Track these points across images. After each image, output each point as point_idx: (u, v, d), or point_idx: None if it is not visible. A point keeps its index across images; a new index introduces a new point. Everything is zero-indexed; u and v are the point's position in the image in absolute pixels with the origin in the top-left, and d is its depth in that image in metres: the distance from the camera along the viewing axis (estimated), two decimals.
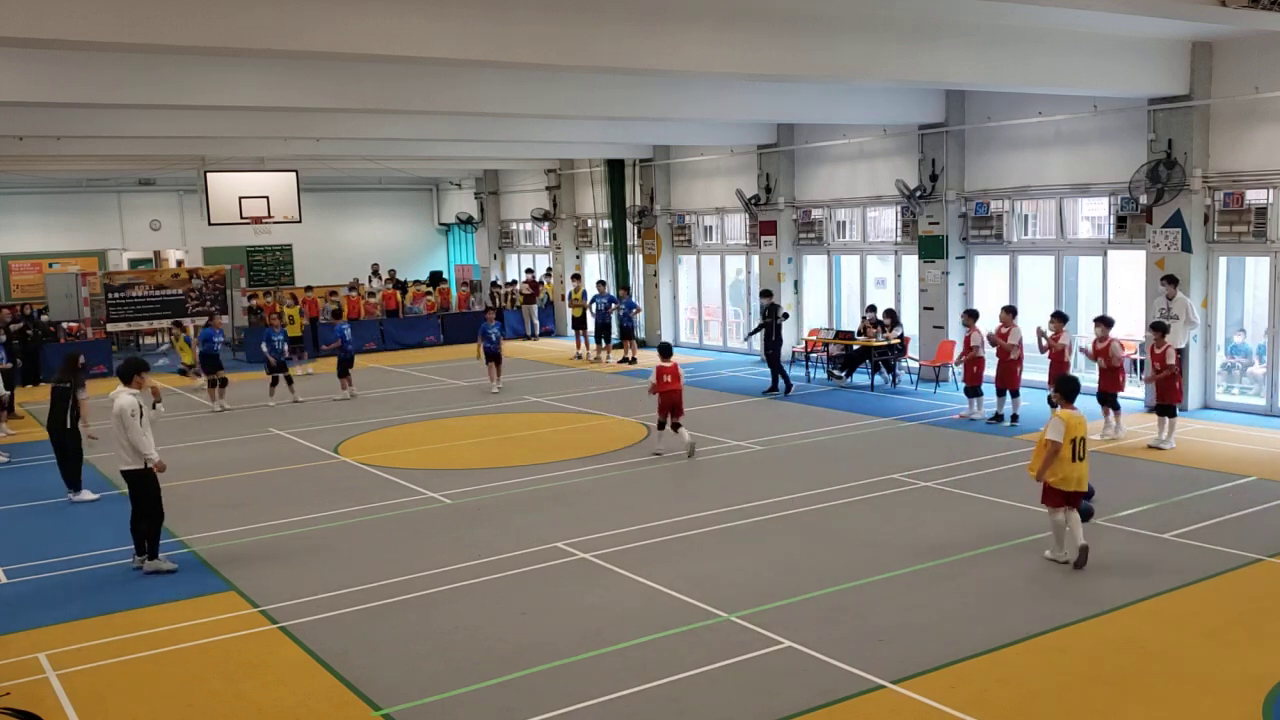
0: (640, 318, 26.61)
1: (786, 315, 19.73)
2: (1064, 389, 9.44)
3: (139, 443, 9.73)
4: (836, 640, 7.86)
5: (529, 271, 32.26)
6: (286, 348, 20.77)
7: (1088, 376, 15.34)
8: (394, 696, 7.21)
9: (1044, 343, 14.97)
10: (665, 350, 14.70)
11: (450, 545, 10.59)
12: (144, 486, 9.90)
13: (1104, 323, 14.33)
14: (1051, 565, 9.34)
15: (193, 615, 8.90)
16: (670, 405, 14.14)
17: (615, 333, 24.92)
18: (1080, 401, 9.40)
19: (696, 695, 7.07)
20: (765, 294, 20.13)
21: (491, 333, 20.74)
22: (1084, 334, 18.64)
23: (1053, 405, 9.40)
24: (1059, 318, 15.11)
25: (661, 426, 14.25)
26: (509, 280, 33.75)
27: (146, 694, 7.43)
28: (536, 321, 30.85)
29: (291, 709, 7.13)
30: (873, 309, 20.38)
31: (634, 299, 25.67)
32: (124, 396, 9.83)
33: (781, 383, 19.12)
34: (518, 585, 9.36)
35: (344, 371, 20.28)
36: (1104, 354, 14.13)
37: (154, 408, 10.20)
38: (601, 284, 25.27)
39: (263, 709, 7.14)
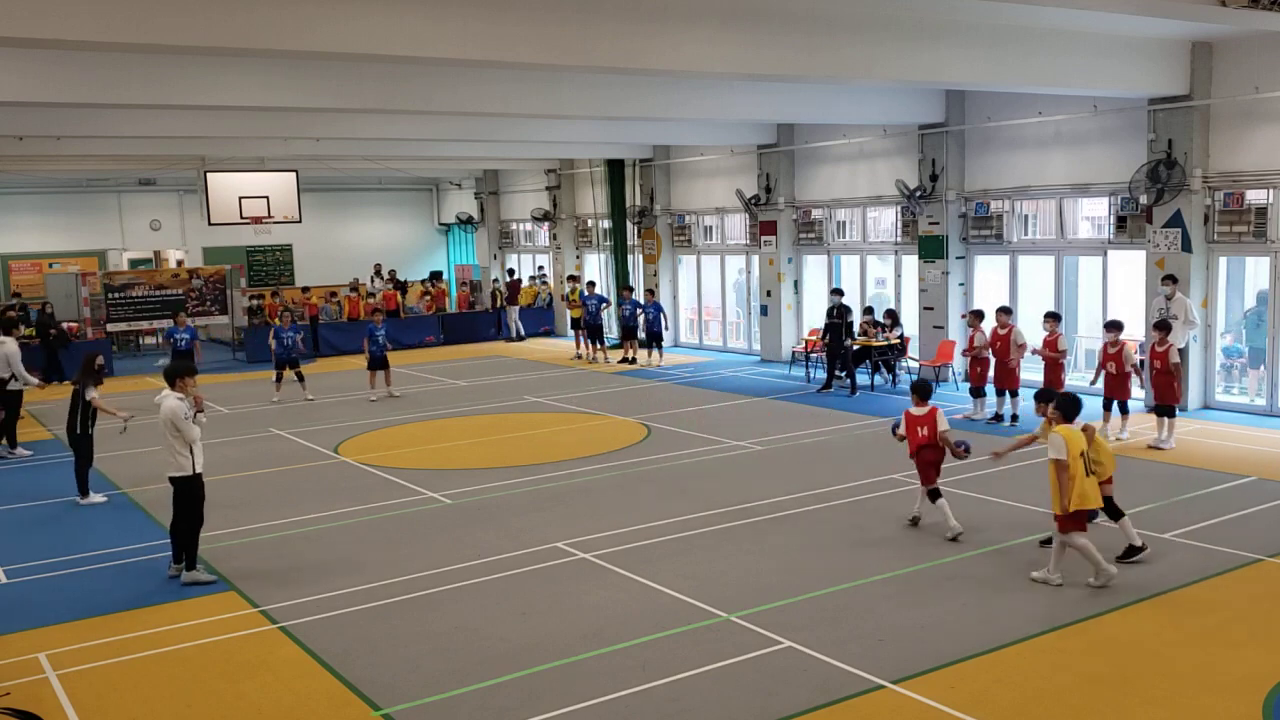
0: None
1: (851, 323, 19.12)
2: (1065, 408, 8.92)
3: (191, 434, 9.56)
4: (836, 640, 7.87)
5: (510, 272, 32.17)
6: (300, 341, 20.78)
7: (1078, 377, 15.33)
8: (394, 696, 7.21)
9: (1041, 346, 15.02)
10: (922, 390, 10.65)
11: (450, 545, 10.59)
12: (188, 492, 9.71)
13: (1116, 327, 14.28)
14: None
15: (193, 615, 8.90)
16: (926, 464, 10.47)
17: (616, 332, 24.91)
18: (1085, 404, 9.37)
19: (696, 695, 7.07)
20: (837, 292, 19.50)
21: (378, 335, 19.96)
22: (1085, 334, 18.68)
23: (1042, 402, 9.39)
24: (1052, 318, 15.12)
25: (934, 496, 10.47)
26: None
27: (146, 694, 7.43)
28: (519, 323, 30.43)
29: (291, 709, 7.13)
30: (870, 310, 20.35)
31: (659, 301, 25.02)
32: (171, 400, 9.63)
33: (847, 380, 18.84)
34: (518, 585, 9.36)
35: (280, 376, 20.18)
36: (1116, 359, 14.09)
37: (195, 418, 9.78)
38: (591, 285, 25.28)
39: (262, 709, 7.14)
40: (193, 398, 9.80)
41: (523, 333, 30.43)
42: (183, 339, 20.83)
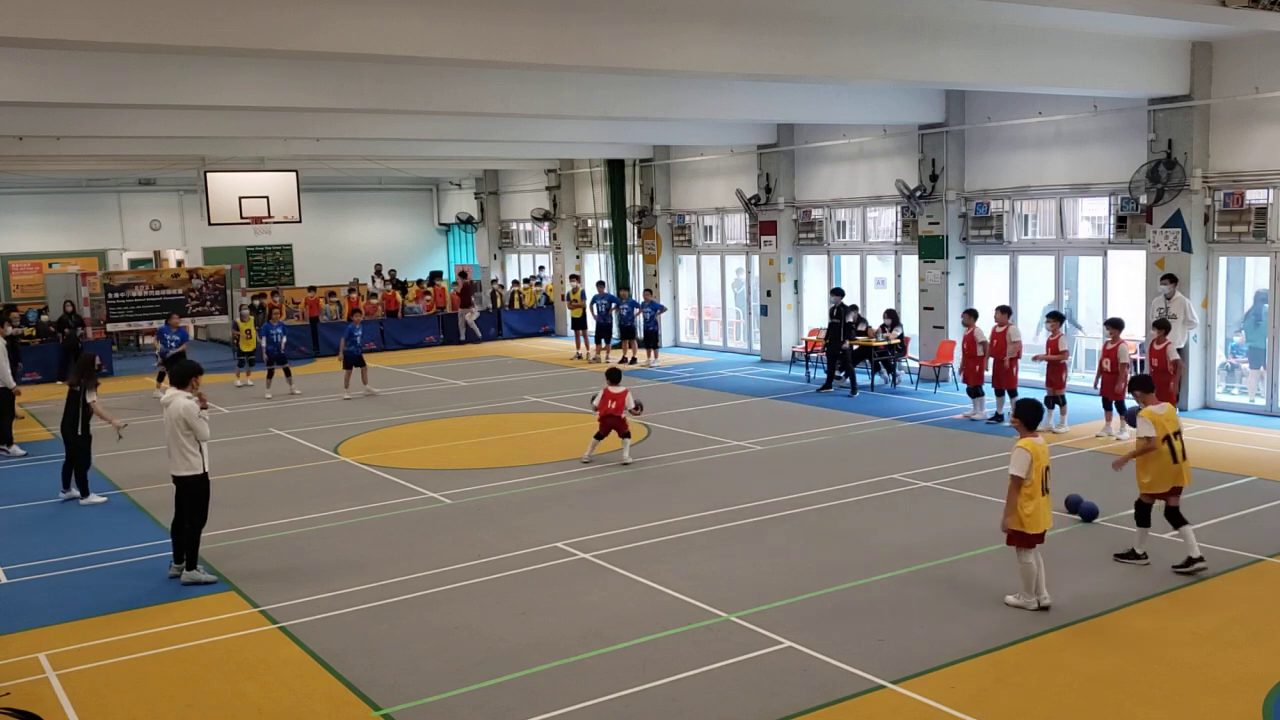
0: (665, 318, 25.51)
1: (856, 320, 19.00)
2: (1026, 416, 8.30)
3: (204, 432, 9.54)
4: (836, 640, 7.87)
5: (463, 275, 31.99)
6: (284, 340, 21.58)
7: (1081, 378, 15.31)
8: (394, 696, 7.21)
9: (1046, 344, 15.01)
10: (613, 376, 14.25)
11: (450, 545, 10.59)
12: (197, 491, 9.68)
13: (1114, 325, 14.27)
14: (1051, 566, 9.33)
15: (193, 615, 8.90)
16: (606, 425, 13.93)
17: (616, 332, 24.90)
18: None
19: (696, 695, 7.07)
20: (837, 292, 19.40)
21: (356, 336, 20.38)
22: (1085, 333, 18.68)
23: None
24: (1055, 318, 15.12)
25: (600, 437, 14.03)
26: (513, 280, 33.72)
27: (146, 694, 7.43)
28: (473, 326, 29.95)
29: (291, 709, 7.13)
30: (857, 313, 20.16)
31: (659, 301, 25.02)
32: (182, 399, 9.54)
33: (846, 381, 18.78)
34: (518, 585, 9.36)
35: (271, 373, 21.22)
36: (1112, 355, 14.08)
37: (201, 415, 9.74)
38: (600, 285, 25.25)
39: (262, 709, 7.14)
40: (198, 396, 9.79)
41: (479, 335, 29.94)
42: (173, 340, 21.03)
